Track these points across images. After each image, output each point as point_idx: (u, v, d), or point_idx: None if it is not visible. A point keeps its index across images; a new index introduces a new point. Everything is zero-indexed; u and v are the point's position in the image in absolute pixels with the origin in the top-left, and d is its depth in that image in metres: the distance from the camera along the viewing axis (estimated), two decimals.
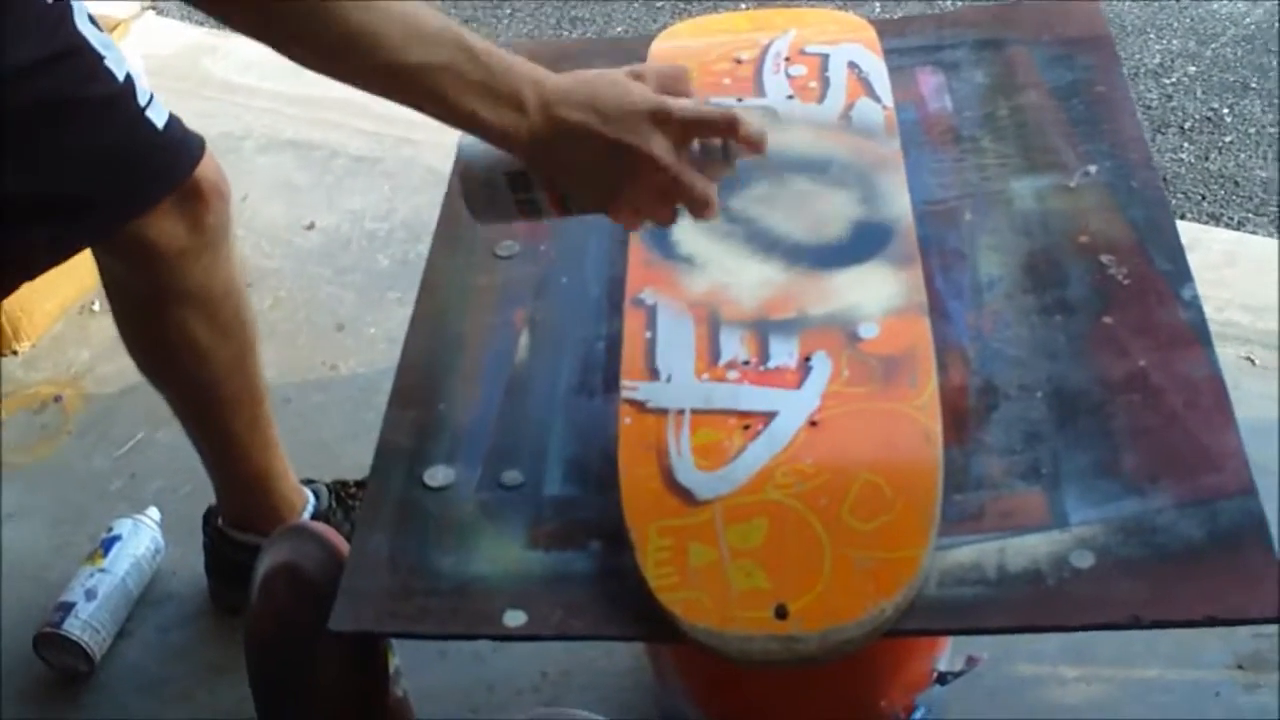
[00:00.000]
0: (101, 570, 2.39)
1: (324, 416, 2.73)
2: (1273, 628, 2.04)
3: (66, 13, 1.77)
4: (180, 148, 1.91)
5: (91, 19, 1.81)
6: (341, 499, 2.41)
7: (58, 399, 2.89)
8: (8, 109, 1.71)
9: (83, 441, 2.79)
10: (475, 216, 1.54)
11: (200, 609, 2.44)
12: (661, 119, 1.40)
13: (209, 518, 2.37)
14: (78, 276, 2.98)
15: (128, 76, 1.83)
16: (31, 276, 1.92)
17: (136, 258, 1.94)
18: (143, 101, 1.84)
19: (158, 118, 1.85)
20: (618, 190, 1.45)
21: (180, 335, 2.03)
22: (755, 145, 1.45)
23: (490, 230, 1.77)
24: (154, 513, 2.51)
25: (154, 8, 4.11)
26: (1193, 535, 1.36)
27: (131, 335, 2.12)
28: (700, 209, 1.46)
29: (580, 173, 1.45)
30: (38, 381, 2.93)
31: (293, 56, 1.35)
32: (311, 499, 2.35)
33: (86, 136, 1.79)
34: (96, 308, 3.07)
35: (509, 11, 4.21)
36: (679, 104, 1.42)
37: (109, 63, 1.80)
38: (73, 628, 2.31)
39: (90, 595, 2.35)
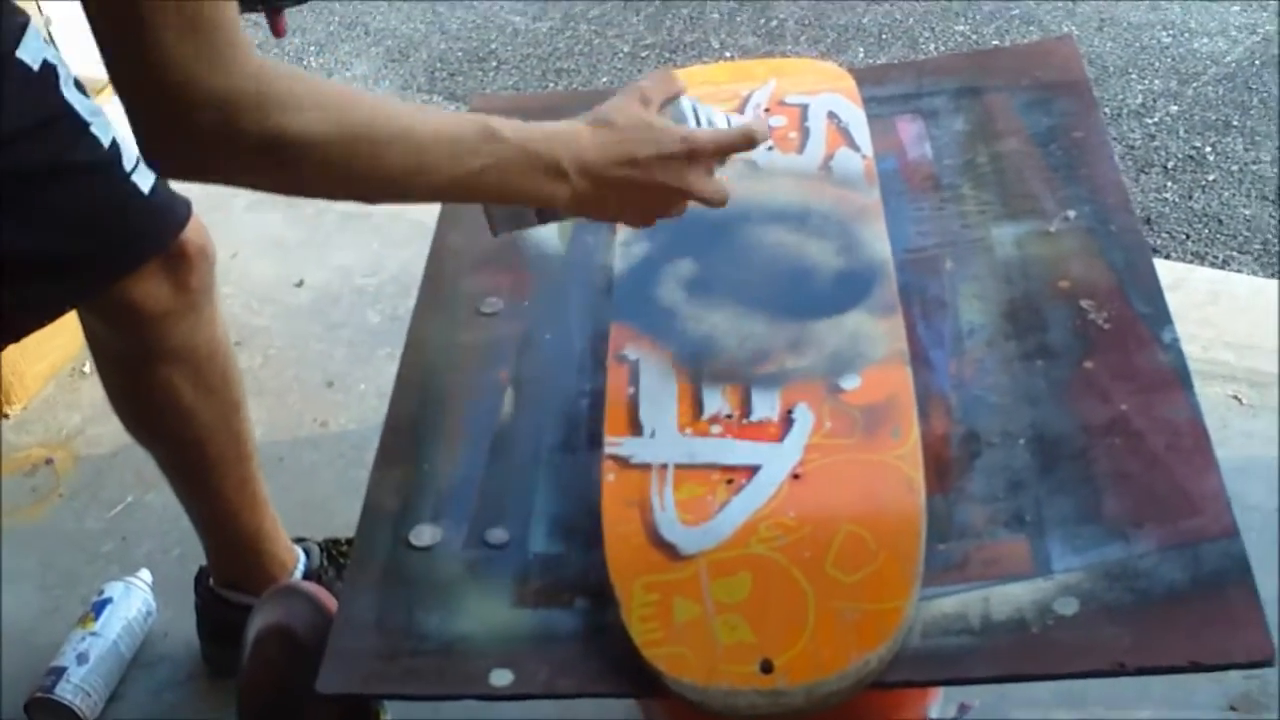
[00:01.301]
0: (93, 634, 2.38)
1: (315, 474, 2.72)
2: (1265, 669, 2.06)
3: (52, 80, 1.78)
4: (166, 211, 1.91)
5: (78, 85, 1.82)
6: (334, 557, 2.41)
7: (49, 461, 2.89)
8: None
9: (74, 504, 2.78)
10: (494, 231, 1.59)
11: (193, 671, 2.43)
12: (692, 156, 1.50)
13: (200, 579, 2.37)
14: (67, 339, 2.99)
15: (114, 142, 1.84)
16: (17, 338, 1.93)
17: (121, 319, 1.95)
18: (128, 166, 1.85)
19: (143, 182, 1.86)
20: (650, 216, 1.56)
21: (165, 395, 2.04)
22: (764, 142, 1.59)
23: (479, 284, 1.78)
24: (145, 575, 2.51)
25: None
26: (1176, 579, 1.36)
27: (117, 395, 2.13)
28: (722, 206, 1.57)
29: (621, 213, 1.56)
30: (28, 444, 2.93)
31: (359, 201, 1.46)
32: (303, 558, 2.35)
33: (73, 201, 1.80)
34: (87, 370, 3.07)
35: (494, 64, 4.23)
36: (703, 139, 1.52)
37: (95, 129, 1.81)
38: (65, 692, 2.30)
39: (82, 659, 2.35)
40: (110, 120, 1.85)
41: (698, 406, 1.58)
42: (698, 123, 1.55)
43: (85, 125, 1.80)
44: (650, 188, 1.51)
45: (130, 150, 1.86)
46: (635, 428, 1.56)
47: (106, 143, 1.82)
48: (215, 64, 1.24)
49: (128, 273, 1.88)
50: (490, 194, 1.50)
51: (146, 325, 1.94)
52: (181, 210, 1.92)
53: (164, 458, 2.19)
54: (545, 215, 1.57)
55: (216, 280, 2.02)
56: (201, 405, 2.06)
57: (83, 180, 1.81)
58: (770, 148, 1.89)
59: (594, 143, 1.47)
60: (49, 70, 1.77)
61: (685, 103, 1.56)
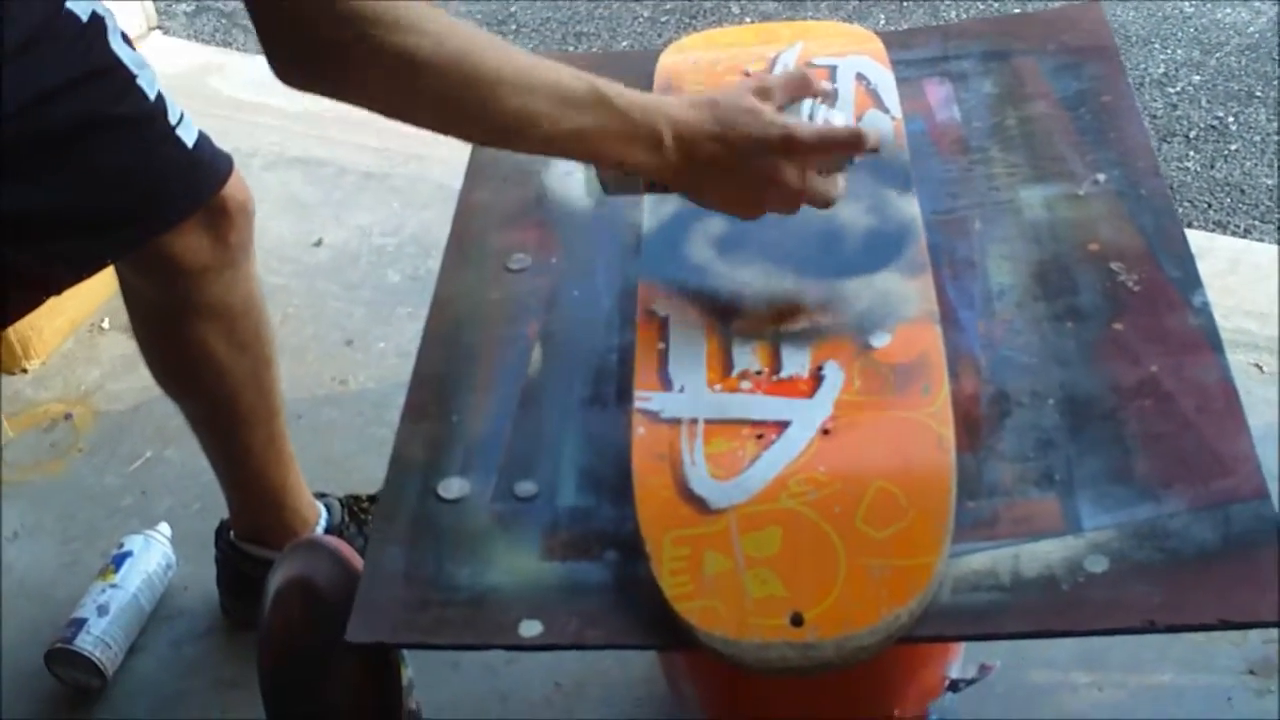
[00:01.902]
0: (113, 586, 2.40)
1: (334, 431, 2.73)
2: None
3: (101, 32, 1.78)
4: (209, 166, 1.93)
5: (125, 38, 1.82)
6: (354, 513, 2.42)
7: (68, 416, 2.90)
8: (43, 127, 1.72)
9: (93, 459, 2.79)
10: (606, 192, 1.65)
11: (212, 624, 2.44)
12: (789, 147, 1.51)
13: (221, 532, 2.38)
14: (87, 295, 3.00)
15: (159, 95, 1.84)
16: (57, 291, 1.94)
17: (159, 273, 1.96)
18: (173, 120, 1.85)
19: (188, 136, 1.87)
20: (751, 206, 1.58)
21: (199, 350, 2.05)
22: (876, 151, 1.59)
23: (506, 240, 1.79)
24: (165, 528, 2.52)
25: (161, 27, 4.12)
26: (1206, 539, 1.36)
27: (150, 349, 2.13)
28: (825, 207, 1.60)
29: (717, 194, 1.58)
30: (48, 399, 2.94)
31: (459, 137, 1.50)
32: (324, 513, 2.36)
33: (118, 154, 1.80)
34: (106, 325, 3.08)
35: (514, 27, 4.23)
36: (804, 132, 1.52)
37: (141, 81, 1.81)
38: (85, 643, 2.32)
39: (102, 611, 2.36)
40: (156, 73, 1.85)
41: (727, 362, 1.57)
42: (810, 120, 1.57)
43: (132, 78, 1.81)
44: (743, 172, 1.53)
45: (175, 104, 1.87)
46: (665, 383, 1.56)
47: (152, 96, 1.83)
48: None
49: (169, 228, 1.89)
50: (589, 154, 1.54)
51: (184, 279, 1.96)
52: (224, 165, 1.94)
53: (193, 412, 2.20)
54: (654, 185, 1.60)
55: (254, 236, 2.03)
56: (234, 361, 2.07)
57: (127, 133, 1.82)
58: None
59: (692, 116, 1.50)
60: (98, 21, 1.78)
61: (806, 105, 1.58)
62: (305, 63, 1.37)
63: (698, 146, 1.50)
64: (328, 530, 2.33)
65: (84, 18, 1.75)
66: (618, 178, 1.60)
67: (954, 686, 1.82)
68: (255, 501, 2.28)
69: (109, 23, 1.79)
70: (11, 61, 1.67)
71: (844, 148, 1.55)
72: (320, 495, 2.39)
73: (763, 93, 1.54)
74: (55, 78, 1.70)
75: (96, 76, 1.77)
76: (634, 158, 1.50)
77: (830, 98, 1.63)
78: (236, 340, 2.06)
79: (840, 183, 1.59)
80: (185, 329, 2.03)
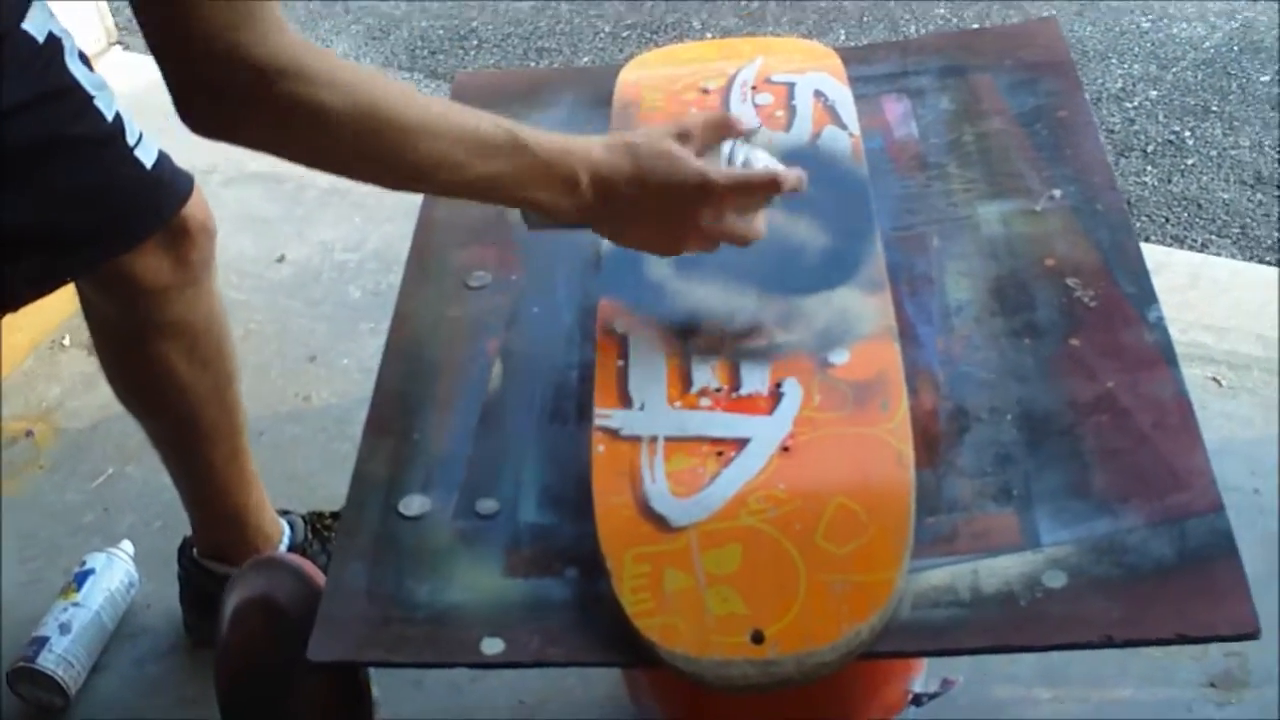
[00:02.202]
0: (75, 604, 2.39)
1: (297, 448, 2.73)
2: (1244, 646, 2.06)
3: (58, 53, 1.78)
4: (169, 186, 1.92)
5: (83, 58, 1.82)
6: (317, 530, 2.41)
7: (29, 434, 2.88)
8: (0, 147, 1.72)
9: (54, 476, 2.78)
10: (529, 227, 1.63)
11: (176, 642, 2.43)
12: (706, 192, 1.52)
13: (184, 550, 2.37)
14: (47, 312, 2.98)
15: (117, 116, 1.83)
16: (15, 307, 1.93)
17: (119, 292, 1.95)
18: (132, 140, 1.84)
19: (146, 157, 1.86)
20: (670, 246, 1.60)
21: (161, 368, 2.04)
22: (796, 191, 1.59)
23: (467, 257, 1.79)
24: (128, 546, 2.51)
25: (121, 43, 4.11)
26: (1163, 554, 1.37)
27: (111, 367, 2.13)
28: (742, 245, 1.60)
29: (636, 236, 1.59)
30: (8, 417, 2.92)
31: (373, 184, 1.50)
32: (288, 531, 2.35)
33: (75, 174, 1.80)
34: (66, 343, 3.07)
35: (475, 43, 4.23)
36: (720, 178, 1.52)
37: (98, 102, 1.81)
38: (47, 662, 2.30)
39: (64, 629, 2.35)
40: (114, 94, 1.85)
41: (687, 380, 1.58)
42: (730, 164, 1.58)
43: (89, 99, 1.80)
44: (661, 215, 1.54)
45: (133, 125, 1.86)
46: (625, 400, 1.57)
47: (110, 116, 1.82)
48: (256, 32, 1.29)
49: (128, 248, 1.88)
50: (505, 198, 1.55)
51: (145, 298, 1.95)
52: (183, 185, 1.93)
53: (155, 430, 2.19)
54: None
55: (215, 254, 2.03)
56: (196, 378, 2.06)
57: (85, 154, 1.81)
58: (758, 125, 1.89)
59: (609, 159, 1.50)
60: (54, 42, 1.77)
61: (726, 146, 1.58)
62: (214, 115, 1.37)
63: (615, 190, 1.51)
64: (291, 548, 2.33)
65: (40, 39, 1.74)
66: (538, 214, 1.59)
67: (917, 701, 1.82)
68: (218, 519, 2.27)
69: (66, 44, 1.79)
70: None
71: (761, 190, 1.56)
72: (284, 512, 2.38)
73: (683, 136, 1.55)
74: (10, 99, 1.70)
75: (53, 98, 1.76)
76: (551, 201, 1.51)
77: (751, 136, 1.63)
78: (198, 358, 2.06)
79: (759, 221, 1.59)
80: (147, 347, 2.02)
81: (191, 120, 1.37)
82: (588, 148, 1.51)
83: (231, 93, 1.33)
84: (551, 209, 1.52)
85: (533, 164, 1.47)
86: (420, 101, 1.42)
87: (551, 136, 1.49)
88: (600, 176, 1.50)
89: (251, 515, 2.28)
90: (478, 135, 1.44)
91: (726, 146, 1.59)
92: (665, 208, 1.53)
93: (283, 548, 2.32)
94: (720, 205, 1.54)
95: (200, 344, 2.05)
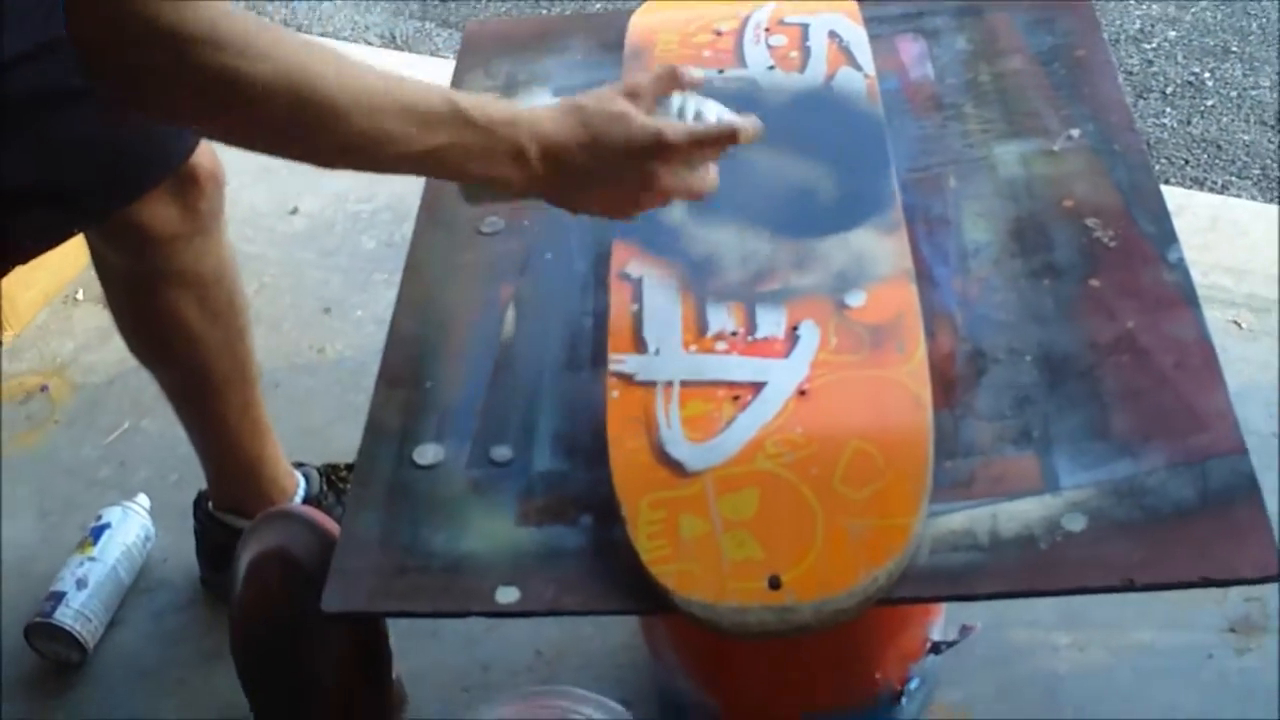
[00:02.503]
0: (92, 559, 2.38)
1: (312, 400, 2.72)
2: (1264, 591, 2.06)
3: (57, 3, 1.75)
4: (175, 134, 1.89)
5: None
6: (332, 482, 2.41)
7: (44, 389, 2.88)
8: (1, 99, 1.70)
9: (70, 431, 2.77)
10: (469, 203, 1.59)
11: (192, 596, 2.43)
12: (661, 150, 1.44)
13: (199, 503, 2.36)
14: (61, 266, 2.98)
15: None
16: (23, 260, 1.91)
17: (128, 242, 1.94)
18: None
19: None
20: (625, 209, 1.51)
21: (171, 318, 2.03)
22: (752, 141, 1.51)
23: (474, 208, 1.77)
24: (143, 500, 2.51)
25: None
26: (1184, 496, 1.36)
27: (123, 318, 2.12)
28: (700, 199, 1.54)
29: (590, 202, 1.51)
30: (23, 372, 2.92)
31: (302, 160, 1.40)
32: (302, 483, 2.35)
33: (80, 125, 1.77)
34: (80, 297, 3.06)
35: None
36: (675, 133, 1.45)
37: None
38: (64, 617, 2.30)
39: (81, 584, 2.34)
40: None
41: (702, 323, 1.57)
42: (683, 119, 1.51)
43: None
44: (616, 178, 1.47)
45: None
46: (639, 345, 1.55)
47: None
48: None
49: (134, 198, 1.86)
50: (450, 172, 1.47)
51: (154, 247, 1.94)
52: (190, 134, 1.91)
53: (168, 381, 2.19)
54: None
55: (225, 204, 2.01)
56: (207, 329, 2.06)
57: (87, 104, 1.79)
58: (772, 67, 1.87)
59: (559, 127, 1.43)
60: None
61: (676, 99, 1.52)
62: (125, 85, 1.30)
63: (567, 158, 1.44)
64: (305, 500, 2.32)
65: None
66: (480, 189, 1.54)
67: (935, 649, 1.82)
68: (232, 471, 2.27)
69: None
70: (27, 51, 1.64)
71: (716, 144, 1.50)
72: (298, 465, 2.37)
73: (632, 94, 1.47)
74: (10, 50, 1.68)
75: (54, 48, 1.74)
76: (499, 174, 1.43)
77: (699, 86, 1.55)
78: (209, 309, 2.05)
79: (712, 173, 1.53)
80: (157, 298, 2.01)
81: (103, 88, 1.31)
82: (536, 118, 1.44)
83: (139, 60, 1.25)
84: (500, 182, 1.45)
85: (478, 136, 1.40)
86: (353, 72, 1.34)
87: (499, 106, 1.43)
88: (550, 146, 1.42)
89: (266, 467, 2.27)
90: (417, 108, 1.37)
91: (676, 100, 1.52)
92: (620, 169, 1.46)
93: (298, 500, 2.31)
94: (675, 161, 1.47)
95: (211, 294, 2.04)
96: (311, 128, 1.33)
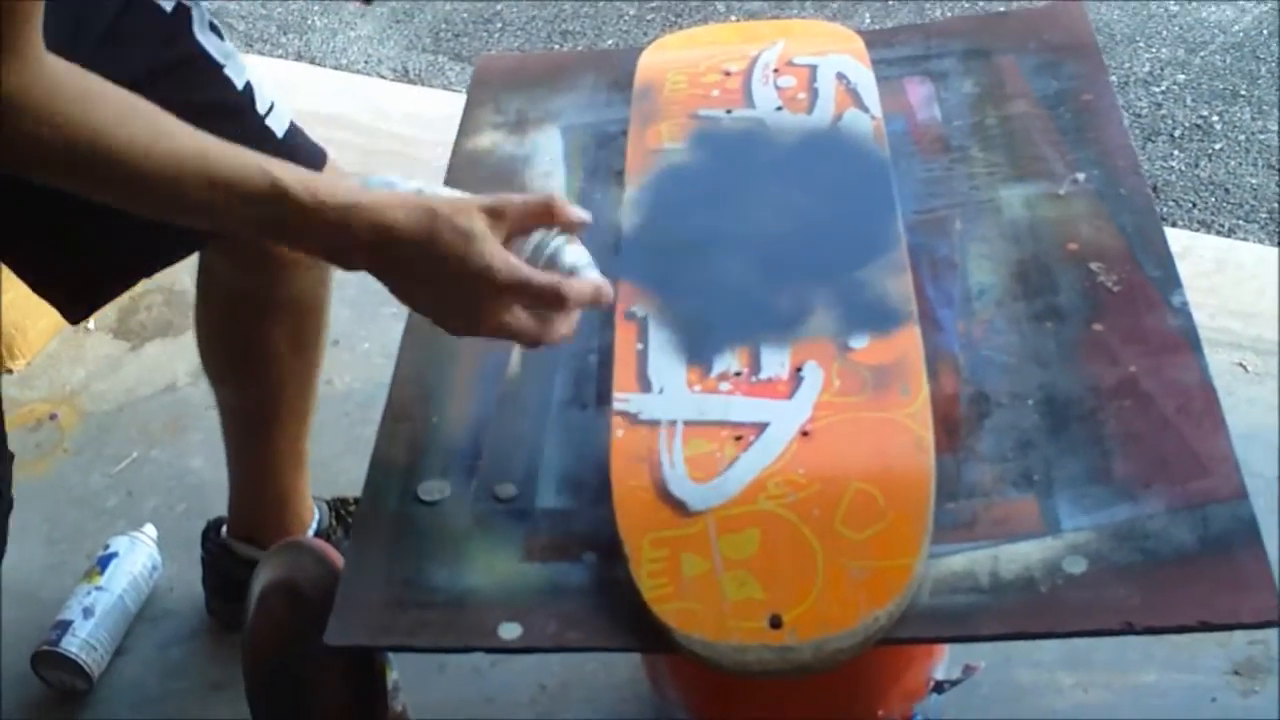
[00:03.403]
0: (99, 588, 2.39)
1: (320, 433, 2.71)
2: (1268, 634, 2.07)
3: (185, 21, 1.77)
4: (300, 155, 1.87)
5: (214, 27, 1.81)
6: (340, 516, 2.42)
7: (53, 417, 2.89)
8: None
9: (79, 459, 2.79)
10: None
11: (199, 626, 2.44)
12: (486, 284, 1.40)
13: (208, 533, 2.37)
14: None
15: (248, 85, 1.83)
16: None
17: (247, 260, 1.99)
18: (263, 109, 1.84)
19: (278, 126, 1.85)
20: (454, 327, 1.47)
21: (262, 342, 2.07)
22: (598, 306, 1.50)
23: None
24: (151, 530, 2.52)
25: None
26: (1185, 540, 1.36)
27: (212, 335, 2.14)
28: (532, 347, 1.49)
29: (419, 305, 1.48)
30: (33, 400, 2.93)
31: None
32: (316, 516, 2.36)
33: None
34: (91, 326, 3.08)
35: (499, 26, 4.22)
36: (503, 273, 1.39)
37: (228, 71, 1.81)
38: (70, 646, 2.31)
39: (88, 613, 2.36)
40: (245, 63, 1.85)
41: (706, 364, 1.57)
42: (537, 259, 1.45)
43: (218, 67, 1.80)
44: (446, 294, 1.43)
45: (265, 94, 1.86)
46: (644, 384, 1.56)
47: (240, 85, 1.82)
48: None
49: None
50: (278, 243, 1.50)
51: (270, 270, 1.99)
52: (316, 156, 1.93)
53: (234, 402, 2.21)
54: None
55: None
56: (291, 357, 2.10)
57: (215, 122, 1.78)
58: (779, 108, 1.89)
59: (402, 222, 1.38)
60: (182, 11, 1.77)
61: (536, 236, 1.46)
62: None
63: (401, 256, 1.39)
64: (316, 534, 2.33)
65: (167, 8, 1.74)
66: None
67: (939, 688, 1.82)
68: (264, 499, 2.28)
69: (195, 13, 1.78)
70: (93, 53, 1.65)
71: (543, 300, 1.43)
72: None
73: (495, 213, 1.41)
74: (137, 69, 1.68)
75: (180, 66, 1.75)
76: (322, 254, 1.44)
77: (576, 229, 1.49)
78: (299, 338, 2.09)
79: (561, 326, 1.46)
80: (255, 319, 2.04)
81: None
82: (381, 207, 1.38)
83: None
84: (327, 258, 1.44)
85: (296, 216, 1.36)
86: (166, 142, 1.33)
87: (339, 188, 1.39)
88: (387, 240, 1.38)
89: (293, 500, 2.29)
90: (229, 181, 1.35)
91: (537, 236, 1.45)
92: (448, 288, 1.42)
93: (309, 533, 2.32)
94: (503, 301, 1.41)
95: (304, 324, 2.08)
96: (119, 195, 1.35)
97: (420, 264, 1.40)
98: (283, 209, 1.35)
